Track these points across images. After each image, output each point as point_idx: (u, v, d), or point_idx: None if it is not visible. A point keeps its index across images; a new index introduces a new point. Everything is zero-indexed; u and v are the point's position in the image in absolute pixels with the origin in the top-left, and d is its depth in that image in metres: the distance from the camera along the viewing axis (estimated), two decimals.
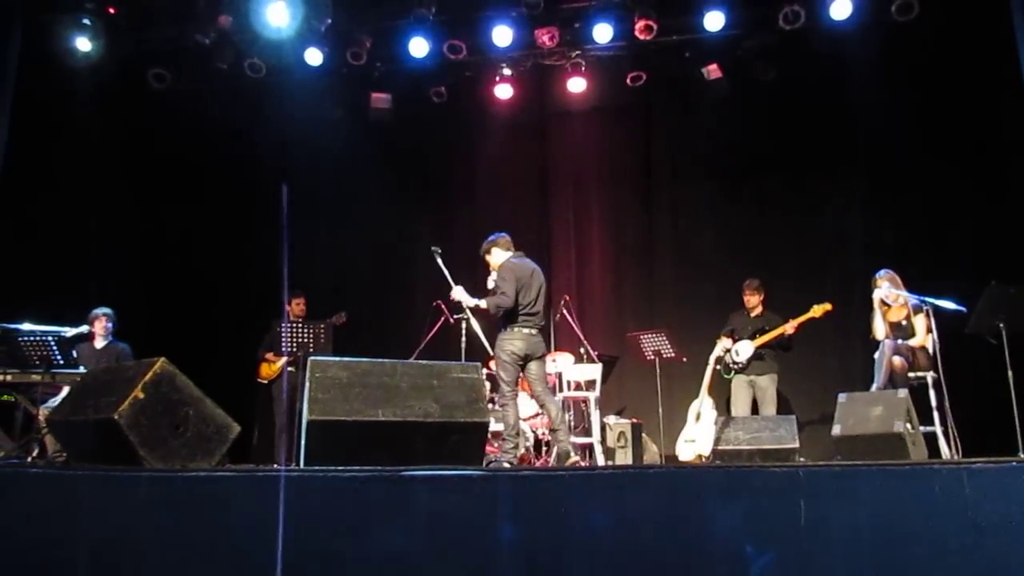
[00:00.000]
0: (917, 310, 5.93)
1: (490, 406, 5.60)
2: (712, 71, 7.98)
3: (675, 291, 8.42)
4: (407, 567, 2.83)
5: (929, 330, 5.78)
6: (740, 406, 6.86)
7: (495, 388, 5.98)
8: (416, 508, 2.89)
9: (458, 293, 5.78)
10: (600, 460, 6.67)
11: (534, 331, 5.60)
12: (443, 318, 7.10)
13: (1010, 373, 5.33)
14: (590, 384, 7.11)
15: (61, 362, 5.81)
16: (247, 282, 7.99)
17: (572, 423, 7.10)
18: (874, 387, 5.78)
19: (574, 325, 7.43)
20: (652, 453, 7.15)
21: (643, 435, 7.15)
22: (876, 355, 5.91)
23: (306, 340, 6.27)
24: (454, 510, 2.92)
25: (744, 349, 6.85)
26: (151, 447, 3.34)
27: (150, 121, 8.26)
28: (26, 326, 5.96)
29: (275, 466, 5.94)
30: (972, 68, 7.14)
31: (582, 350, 7.38)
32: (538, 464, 6.60)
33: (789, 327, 6.72)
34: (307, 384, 3.59)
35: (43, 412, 5.75)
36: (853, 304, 7.29)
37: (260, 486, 2.94)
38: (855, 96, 7.67)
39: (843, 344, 7.57)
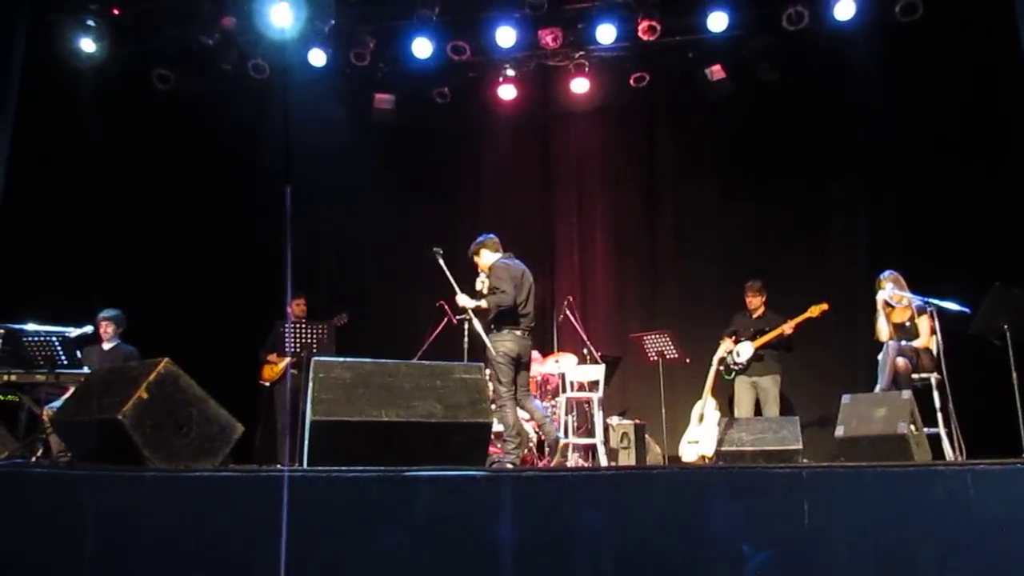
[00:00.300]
0: (921, 311, 5.93)
1: (492, 407, 5.61)
2: (715, 72, 7.98)
3: (678, 292, 8.42)
4: (410, 567, 2.83)
5: (933, 331, 5.78)
6: (743, 407, 6.86)
7: None
8: (419, 508, 2.89)
9: (462, 300, 5.81)
10: (603, 461, 6.67)
11: (525, 333, 5.69)
12: (445, 319, 7.11)
13: (1014, 375, 5.31)
14: (593, 385, 7.10)
15: (65, 362, 5.81)
16: (250, 282, 8.00)
17: (576, 424, 7.10)
18: (878, 388, 5.76)
19: (577, 326, 7.43)
20: (655, 454, 7.15)
21: (646, 436, 7.14)
22: (880, 356, 5.89)
23: (309, 340, 6.27)
24: (457, 511, 2.92)
25: (744, 350, 6.87)
26: (155, 447, 3.35)
27: (154, 122, 8.27)
28: (30, 326, 5.98)
29: (278, 466, 5.95)
30: (976, 69, 7.12)
31: (585, 351, 7.37)
32: (541, 465, 6.59)
33: (787, 327, 6.75)
34: (310, 384, 3.59)
35: (47, 412, 5.75)
36: (857, 305, 7.27)
37: (263, 486, 2.94)
38: (858, 97, 7.65)
39: (846, 345, 7.56)
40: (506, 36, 7.73)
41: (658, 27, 7.48)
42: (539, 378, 7.29)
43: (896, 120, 7.51)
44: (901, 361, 5.76)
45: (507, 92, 8.52)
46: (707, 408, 6.83)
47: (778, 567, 2.80)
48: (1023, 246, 6.53)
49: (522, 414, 6.77)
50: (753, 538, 2.81)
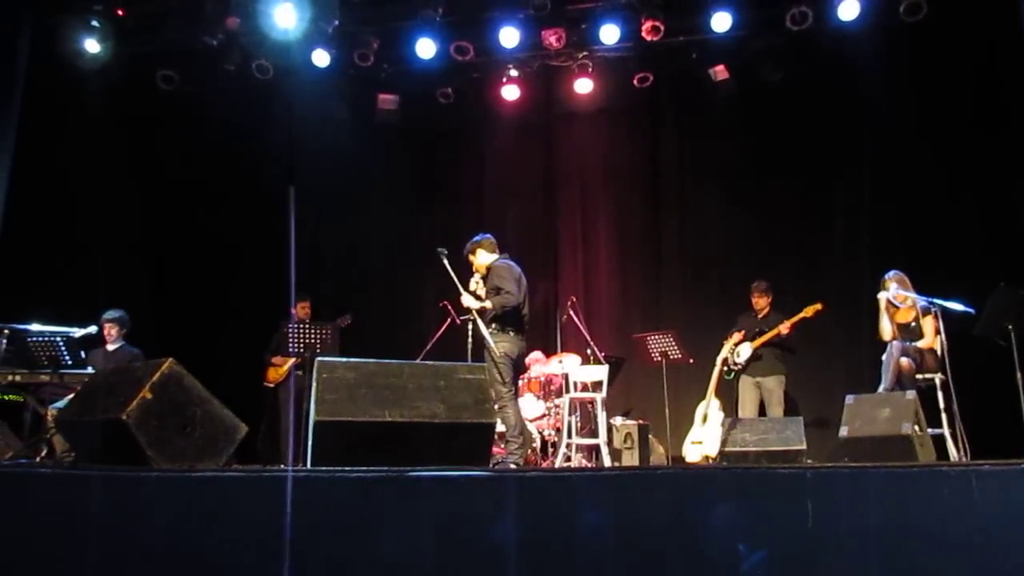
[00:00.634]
0: (926, 312, 5.92)
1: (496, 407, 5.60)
2: (719, 72, 7.97)
3: (682, 292, 8.41)
4: (413, 567, 2.83)
5: (937, 332, 5.77)
6: (747, 407, 6.86)
7: None
8: (422, 509, 2.89)
9: (468, 300, 5.80)
10: (607, 461, 6.66)
11: (520, 334, 5.68)
12: (449, 319, 7.11)
13: (1019, 375, 5.29)
14: (597, 385, 7.09)
15: (69, 362, 5.83)
16: (254, 283, 7.99)
17: (579, 424, 7.10)
18: (881, 389, 5.75)
19: (581, 326, 7.43)
20: (659, 454, 7.15)
21: (650, 436, 7.13)
22: (884, 357, 5.88)
23: (313, 341, 6.28)
24: (460, 511, 2.92)
25: (744, 350, 6.89)
26: (159, 447, 3.35)
27: (158, 122, 8.29)
28: (35, 327, 5.99)
29: (282, 467, 5.96)
30: (981, 69, 7.10)
31: (589, 351, 7.37)
32: (544, 465, 6.59)
33: (783, 328, 6.75)
34: (314, 385, 3.60)
35: (51, 412, 5.77)
36: (861, 305, 7.26)
37: (267, 486, 2.95)
38: (862, 97, 7.65)
39: (850, 346, 7.55)
40: (510, 36, 7.73)
41: (662, 27, 7.47)
42: (542, 378, 7.29)
43: (900, 120, 7.49)
44: (905, 361, 5.75)
45: (511, 92, 8.52)
46: (711, 408, 6.82)
47: (782, 568, 2.79)
48: None
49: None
50: (756, 539, 2.81)
